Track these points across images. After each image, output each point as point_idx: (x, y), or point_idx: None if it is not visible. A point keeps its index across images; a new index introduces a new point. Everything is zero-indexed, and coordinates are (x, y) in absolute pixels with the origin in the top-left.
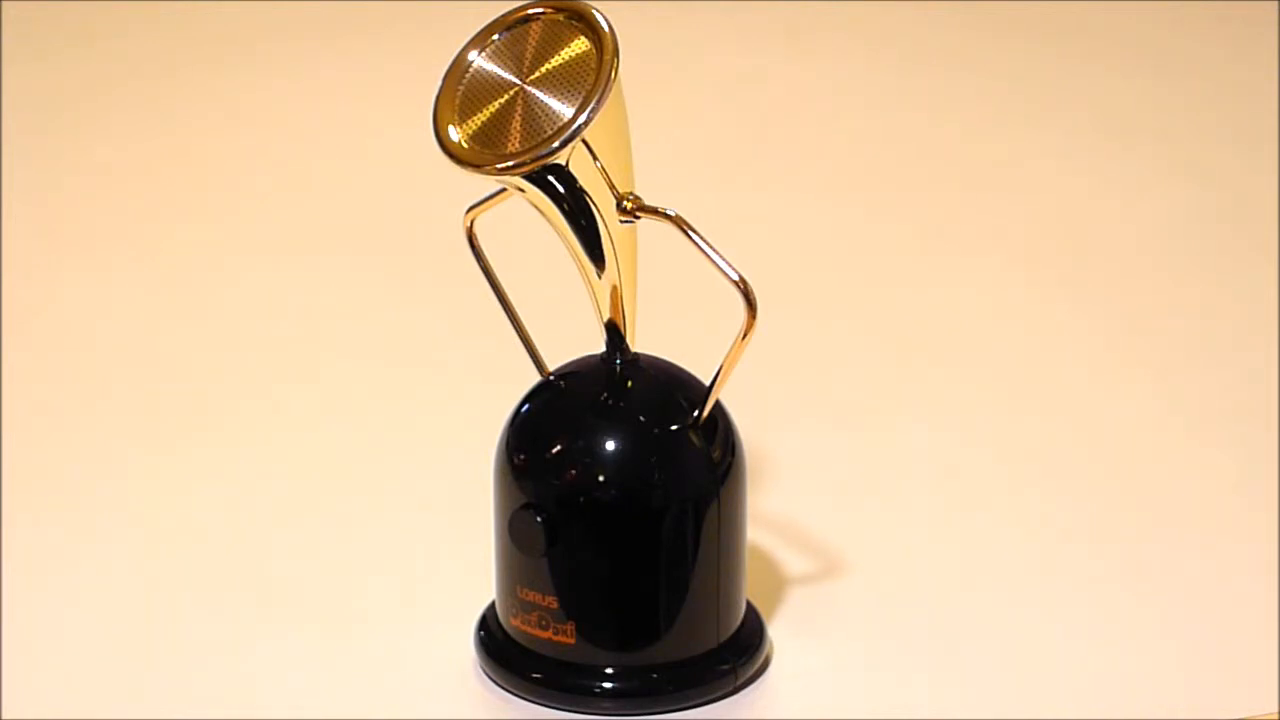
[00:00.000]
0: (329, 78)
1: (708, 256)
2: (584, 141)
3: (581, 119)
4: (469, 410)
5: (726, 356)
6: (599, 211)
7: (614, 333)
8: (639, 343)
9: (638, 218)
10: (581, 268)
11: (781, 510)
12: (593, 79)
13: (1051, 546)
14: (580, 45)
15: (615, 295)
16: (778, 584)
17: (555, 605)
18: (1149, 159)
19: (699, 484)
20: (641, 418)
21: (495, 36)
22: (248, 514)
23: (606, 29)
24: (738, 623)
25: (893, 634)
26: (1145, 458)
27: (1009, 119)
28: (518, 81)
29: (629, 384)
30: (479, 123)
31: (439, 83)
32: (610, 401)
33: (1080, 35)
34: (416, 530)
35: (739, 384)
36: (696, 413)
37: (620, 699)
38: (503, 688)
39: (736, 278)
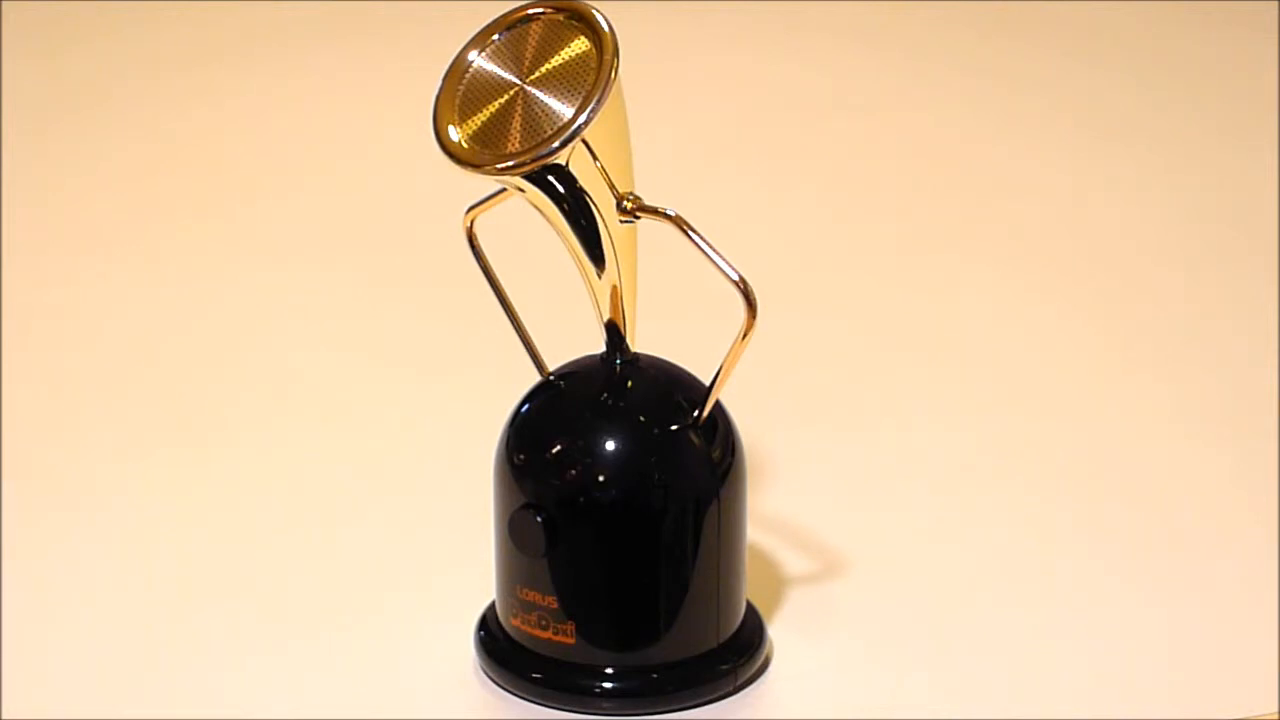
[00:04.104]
0: (329, 78)
1: (708, 256)
2: (584, 141)
3: (581, 119)
4: (469, 410)
5: (726, 356)
6: (599, 211)
7: (614, 333)
8: (639, 343)
9: (638, 218)
10: (581, 268)
11: (781, 510)
12: (593, 79)
13: (1051, 546)
14: (580, 45)
15: (615, 295)
16: (778, 584)
17: (555, 605)
18: (1149, 159)
19: (699, 484)
20: (641, 418)
21: (495, 36)
22: (247, 514)
23: (606, 29)
24: (738, 623)
25: (893, 634)
26: (1145, 458)
27: (1009, 119)
28: (518, 81)
29: (629, 384)
30: (479, 123)
31: (439, 83)
32: (610, 401)
33: (1080, 35)
34: (416, 530)
35: (739, 384)
36: (696, 413)
37: (620, 699)
38: (503, 688)
39: (736, 278)
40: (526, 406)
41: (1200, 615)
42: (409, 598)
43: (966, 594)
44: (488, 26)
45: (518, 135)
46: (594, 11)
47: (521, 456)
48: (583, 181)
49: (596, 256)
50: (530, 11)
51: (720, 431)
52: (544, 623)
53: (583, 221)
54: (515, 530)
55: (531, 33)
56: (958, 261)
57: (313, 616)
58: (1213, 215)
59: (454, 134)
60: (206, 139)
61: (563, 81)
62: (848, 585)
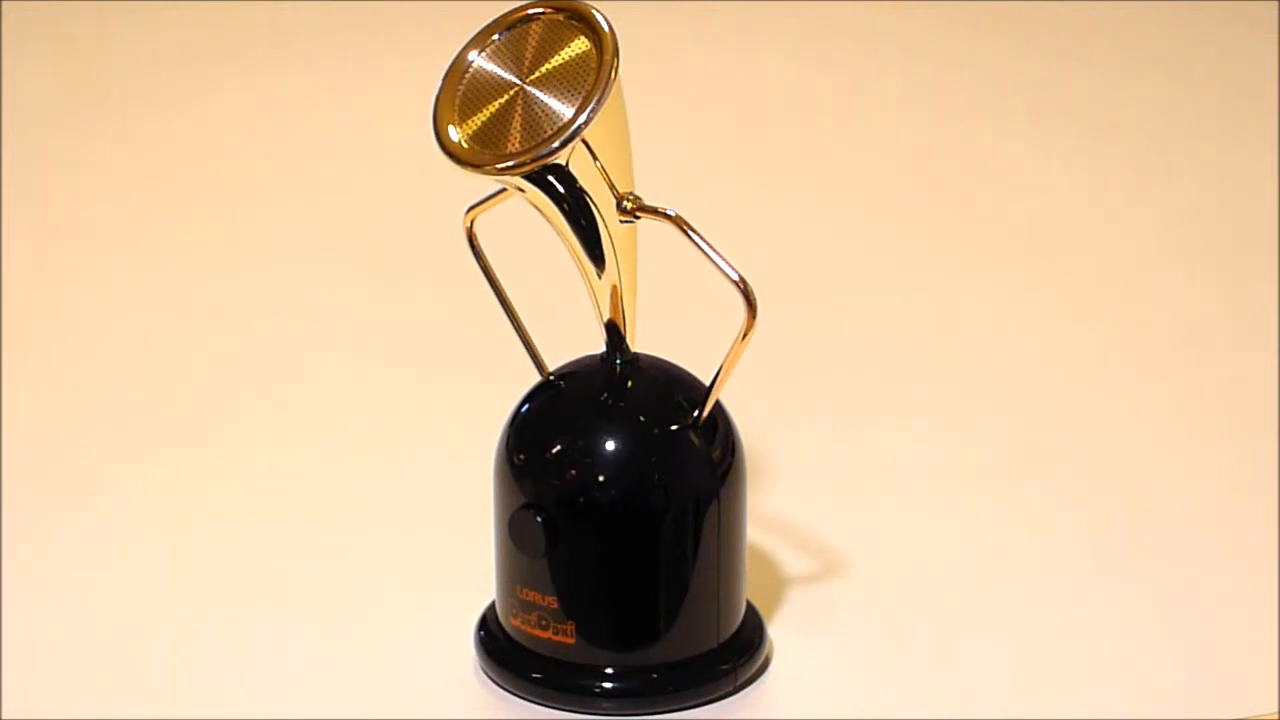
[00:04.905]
0: (329, 78)
1: (708, 256)
2: (584, 141)
3: (581, 119)
4: (469, 410)
5: (726, 356)
6: (599, 211)
7: (614, 333)
8: (639, 343)
9: (638, 218)
10: (581, 268)
11: (781, 510)
12: (593, 79)
13: (1051, 546)
14: (580, 45)
15: (615, 295)
16: (778, 584)
17: (555, 605)
18: (1149, 159)
19: (699, 484)
20: (641, 418)
21: (495, 36)
22: (248, 514)
23: (606, 29)
24: (738, 623)
25: (893, 634)
26: (1145, 457)
27: (1009, 119)
28: (518, 81)
29: (629, 384)
30: (479, 123)
31: (439, 83)
32: (610, 401)
33: (1079, 35)
34: (416, 530)
35: (739, 384)
36: (696, 413)
37: (620, 699)
38: (503, 688)
39: (736, 278)
40: (526, 406)
41: (1200, 615)
42: (409, 598)
43: (966, 594)
44: (488, 26)
45: (518, 135)
46: (594, 11)
47: (521, 456)
48: (583, 181)
49: (596, 256)
50: (530, 11)
51: (720, 431)
52: (544, 623)
53: (583, 221)
54: (515, 530)
55: (531, 33)
56: (958, 261)
57: (313, 616)
58: (1213, 215)
59: (454, 134)
60: (206, 139)
61: (563, 81)
62: (848, 585)
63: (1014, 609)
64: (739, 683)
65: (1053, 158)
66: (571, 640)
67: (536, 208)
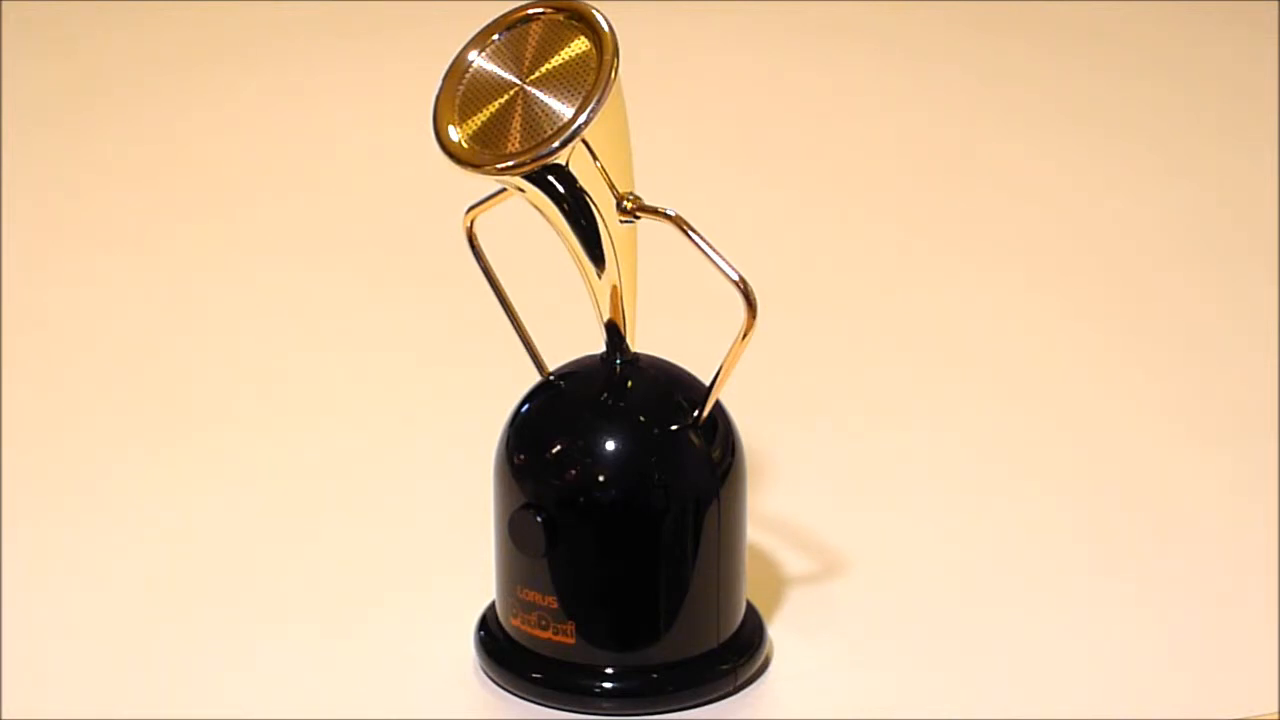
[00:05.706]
0: (329, 78)
1: (708, 256)
2: (584, 141)
3: (581, 119)
4: (469, 410)
5: (726, 356)
6: (599, 211)
7: (614, 333)
8: (639, 343)
9: (638, 218)
10: (581, 268)
11: (781, 510)
12: (593, 79)
13: (1051, 546)
14: (580, 45)
15: (615, 295)
16: (778, 584)
17: (555, 605)
18: (1149, 159)
19: (699, 484)
20: (641, 418)
21: (495, 36)
22: (248, 514)
23: (606, 29)
24: (738, 623)
25: (893, 634)
26: (1145, 457)
27: (1009, 120)
28: (518, 81)
29: (629, 384)
30: (479, 123)
31: (439, 83)
32: (610, 401)
33: (1080, 35)
34: (416, 530)
35: (739, 384)
36: (696, 413)
37: (620, 699)
38: (503, 688)
39: (736, 278)
40: (526, 406)
41: (1200, 615)
42: (409, 598)
43: (966, 594)
44: (488, 26)
45: (518, 135)
46: (594, 11)
47: (521, 456)
48: (583, 181)
49: (596, 256)
50: (530, 11)
51: (720, 431)
52: (544, 623)
53: (583, 221)
54: (515, 530)
55: (531, 33)
56: (958, 261)
57: (313, 616)
58: (1213, 215)
59: (454, 134)
60: (206, 139)
61: (563, 81)
62: (848, 585)
63: (1014, 609)
64: (739, 683)
65: (1053, 158)
66: (571, 640)
67: (536, 208)
